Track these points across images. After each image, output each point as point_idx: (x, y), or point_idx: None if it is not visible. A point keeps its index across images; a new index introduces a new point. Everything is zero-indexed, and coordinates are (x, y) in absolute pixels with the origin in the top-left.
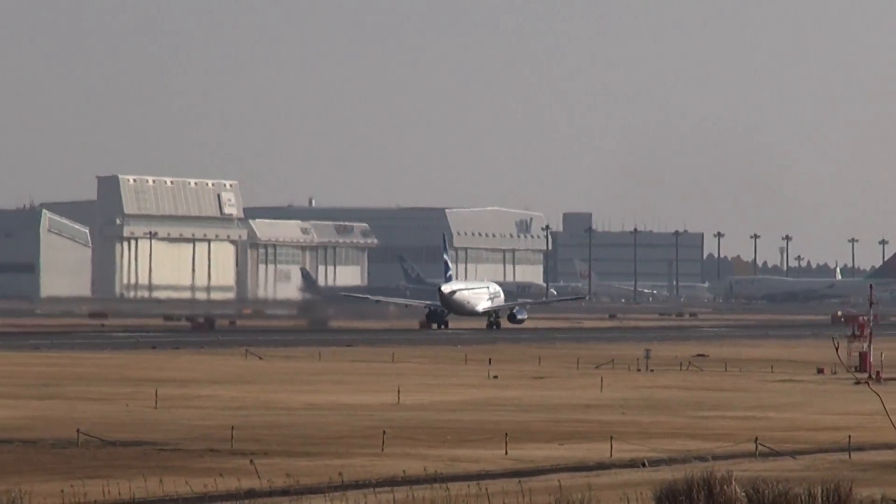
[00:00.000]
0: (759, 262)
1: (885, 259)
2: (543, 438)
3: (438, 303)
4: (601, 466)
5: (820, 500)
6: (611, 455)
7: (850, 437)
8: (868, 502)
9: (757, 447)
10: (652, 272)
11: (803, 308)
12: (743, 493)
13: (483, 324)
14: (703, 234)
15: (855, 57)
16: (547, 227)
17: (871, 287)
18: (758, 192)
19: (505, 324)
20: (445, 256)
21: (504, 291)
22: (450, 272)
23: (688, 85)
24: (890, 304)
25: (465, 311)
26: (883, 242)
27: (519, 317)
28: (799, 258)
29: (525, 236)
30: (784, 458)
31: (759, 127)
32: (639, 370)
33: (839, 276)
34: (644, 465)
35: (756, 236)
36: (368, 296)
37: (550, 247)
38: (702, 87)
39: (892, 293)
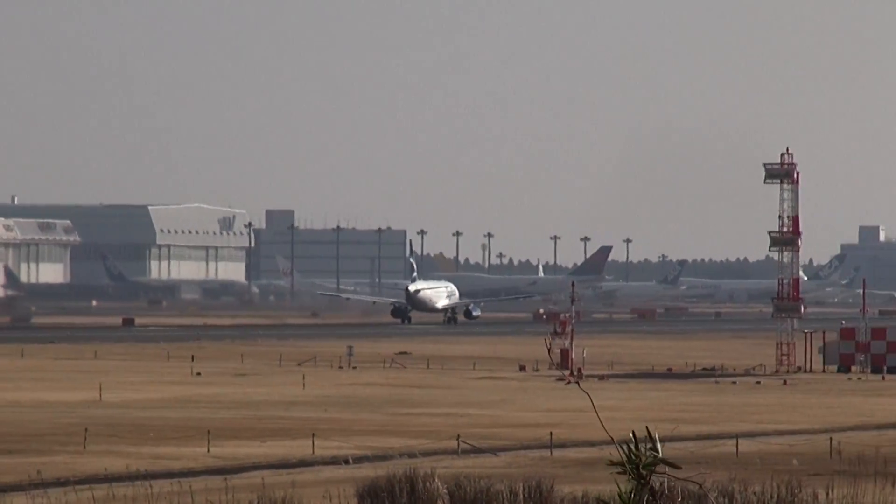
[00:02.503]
0: (462, 260)
1: (587, 256)
2: (246, 436)
3: (402, 300)
4: (304, 463)
5: (521, 496)
6: (313, 452)
7: (551, 434)
8: (569, 499)
9: (459, 444)
10: (355, 269)
11: (506, 305)
12: (445, 490)
13: (441, 318)
14: (406, 232)
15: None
16: (250, 224)
17: (572, 284)
18: (460, 190)
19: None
20: (411, 259)
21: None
22: (415, 273)
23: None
24: (592, 302)
25: (426, 307)
26: (585, 240)
27: (474, 313)
28: (501, 255)
29: (228, 234)
30: (486, 455)
31: (468, 125)
32: (341, 367)
33: (541, 274)
34: (347, 461)
35: (458, 233)
36: (339, 294)
37: (253, 244)
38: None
39: (593, 290)
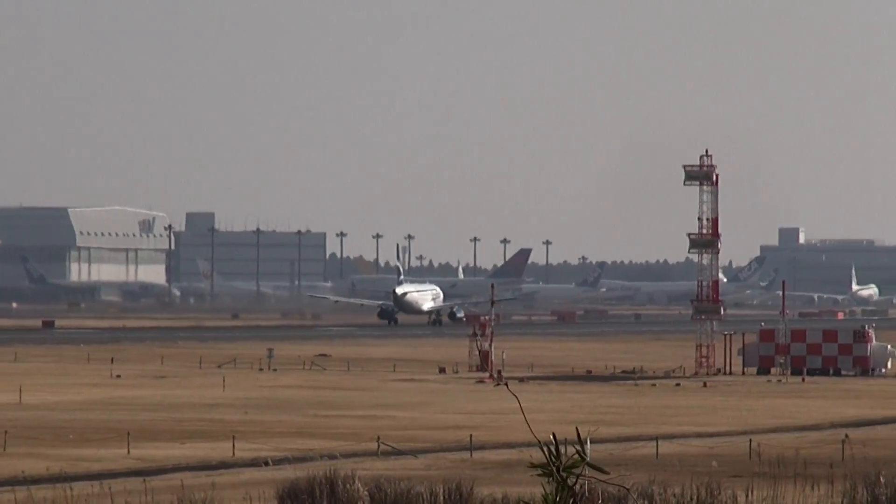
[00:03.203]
0: (382, 262)
1: (507, 258)
2: (166, 437)
3: (389, 302)
4: (224, 465)
5: (442, 498)
6: (233, 454)
7: (471, 436)
8: (489, 501)
9: (379, 446)
10: (275, 272)
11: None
12: (365, 492)
13: (426, 320)
14: (325, 234)
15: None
16: (170, 226)
17: (492, 286)
18: (380, 193)
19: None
20: (398, 263)
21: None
22: (401, 276)
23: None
24: (511, 304)
25: (413, 309)
26: (504, 241)
27: (458, 315)
28: (421, 257)
29: (148, 236)
30: (406, 457)
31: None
32: (261, 369)
33: (461, 276)
34: (267, 463)
35: (378, 236)
36: (328, 296)
37: (173, 246)
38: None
39: (513, 292)
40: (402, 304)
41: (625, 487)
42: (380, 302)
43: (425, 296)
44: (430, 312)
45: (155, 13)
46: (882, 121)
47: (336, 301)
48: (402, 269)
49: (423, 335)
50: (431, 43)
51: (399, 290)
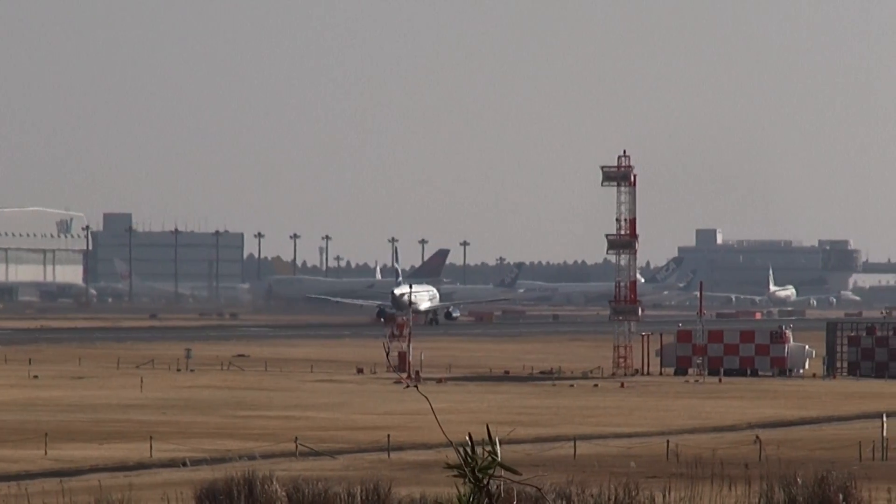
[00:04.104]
0: (300, 263)
1: (425, 259)
2: (84, 438)
3: (387, 302)
4: (142, 466)
5: (359, 499)
6: (151, 455)
7: (389, 436)
8: (407, 502)
9: (297, 447)
10: (193, 272)
11: (343, 308)
12: (284, 493)
13: (423, 320)
14: (243, 235)
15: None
16: (87, 227)
17: (410, 287)
18: (297, 193)
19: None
20: (396, 265)
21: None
22: (399, 277)
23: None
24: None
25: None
26: (423, 242)
27: (454, 315)
28: (338, 258)
29: (66, 236)
30: (324, 458)
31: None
32: (179, 370)
33: (379, 276)
34: (185, 464)
35: (296, 236)
36: (329, 297)
37: (91, 247)
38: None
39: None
40: (400, 305)
41: (536, 487)
42: (378, 302)
43: (422, 296)
44: (426, 312)
45: (63, 12)
46: (798, 123)
47: (338, 302)
48: (399, 271)
49: (342, 336)
50: (343, 42)
51: (397, 291)
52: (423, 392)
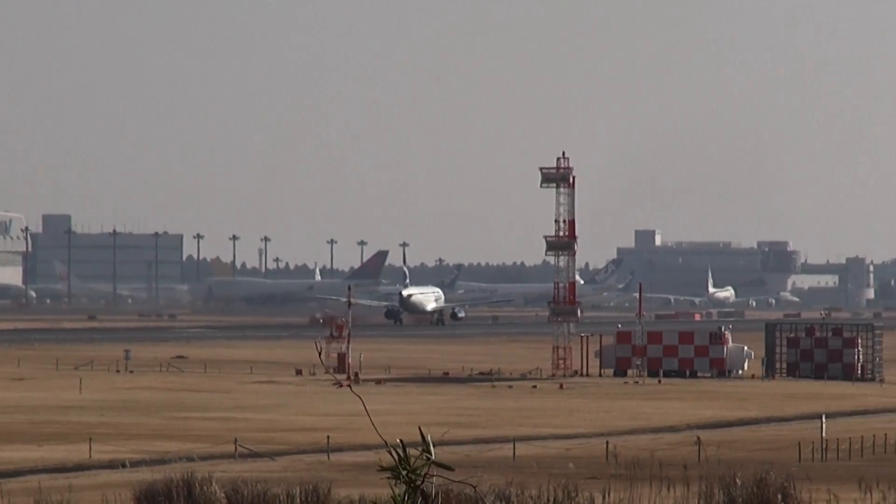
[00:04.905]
0: (239, 264)
1: (364, 260)
2: (22, 440)
3: (395, 303)
4: (81, 467)
5: (299, 500)
6: (90, 456)
7: (328, 438)
8: (346, 503)
9: (236, 448)
10: (132, 274)
11: (282, 310)
12: (223, 494)
13: (429, 320)
14: (182, 236)
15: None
16: (26, 228)
17: (349, 288)
18: (236, 194)
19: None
20: (405, 268)
21: None
22: (407, 280)
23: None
24: (368, 306)
25: (418, 310)
26: (361, 243)
27: (459, 315)
28: (277, 259)
29: (4, 238)
30: (263, 459)
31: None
32: (118, 371)
33: (318, 278)
34: (124, 465)
35: (235, 237)
36: (339, 297)
37: (30, 248)
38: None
39: (370, 294)
40: (408, 305)
41: (473, 486)
42: (386, 303)
43: (429, 297)
44: (433, 312)
45: (7, 12)
46: (739, 124)
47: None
48: (407, 273)
49: (281, 337)
50: (280, 43)
51: (405, 293)
52: (360, 393)
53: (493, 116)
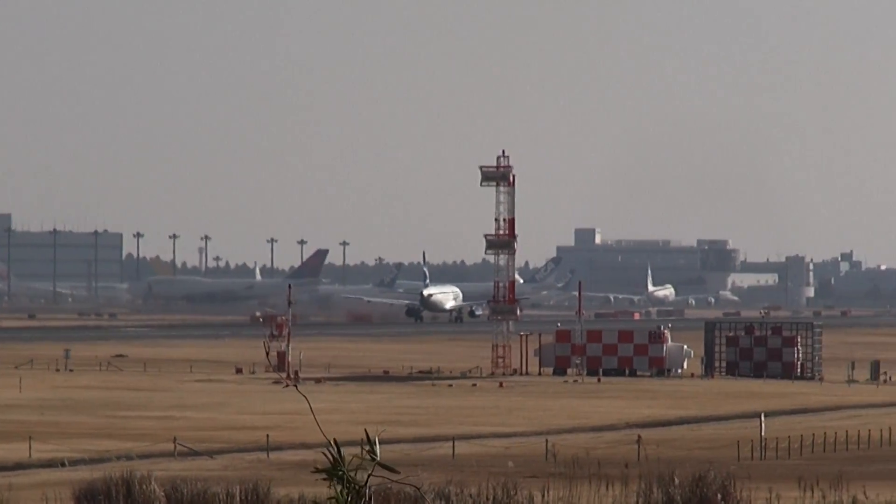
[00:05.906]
0: (179, 263)
1: (304, 259)
2: None
3: (416, 301)
4: (20, 466)
5: (238, 499)
6: (30, 455)
7: (268, 436)
8: (286, 502)
9: (176, 447)
10: (72, 272)
11: (223, 308)
12: (162, 493)
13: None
14: (122, 234)
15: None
16: None
17: (289, 287)
18: (176, 192)
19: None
20: (424, 268)
21: None
22: (427, 279)
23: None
24: (308, 305)
25: (437, 309)
26: (302, 242)
27: (477, 313)
28: (217, 258)
29: None
30: (203, 458)
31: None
32: (58, 370)
33: (258, 277)
34: (63, 464)
35: (175, 236)
36: (360, 297)
37: None
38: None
39: (310, 293)
40: (428, 304)
41: (415, 486)
42: (407, 302)
43: (448, 296)
44: (451, 311)
45: None
46: (677, 122)
47: (369, 301)
48: (426, 273)
49: (222, 336)
50: (224, 41)
51: (425, 292)
52: (303, 392)
53: (433, 114)
